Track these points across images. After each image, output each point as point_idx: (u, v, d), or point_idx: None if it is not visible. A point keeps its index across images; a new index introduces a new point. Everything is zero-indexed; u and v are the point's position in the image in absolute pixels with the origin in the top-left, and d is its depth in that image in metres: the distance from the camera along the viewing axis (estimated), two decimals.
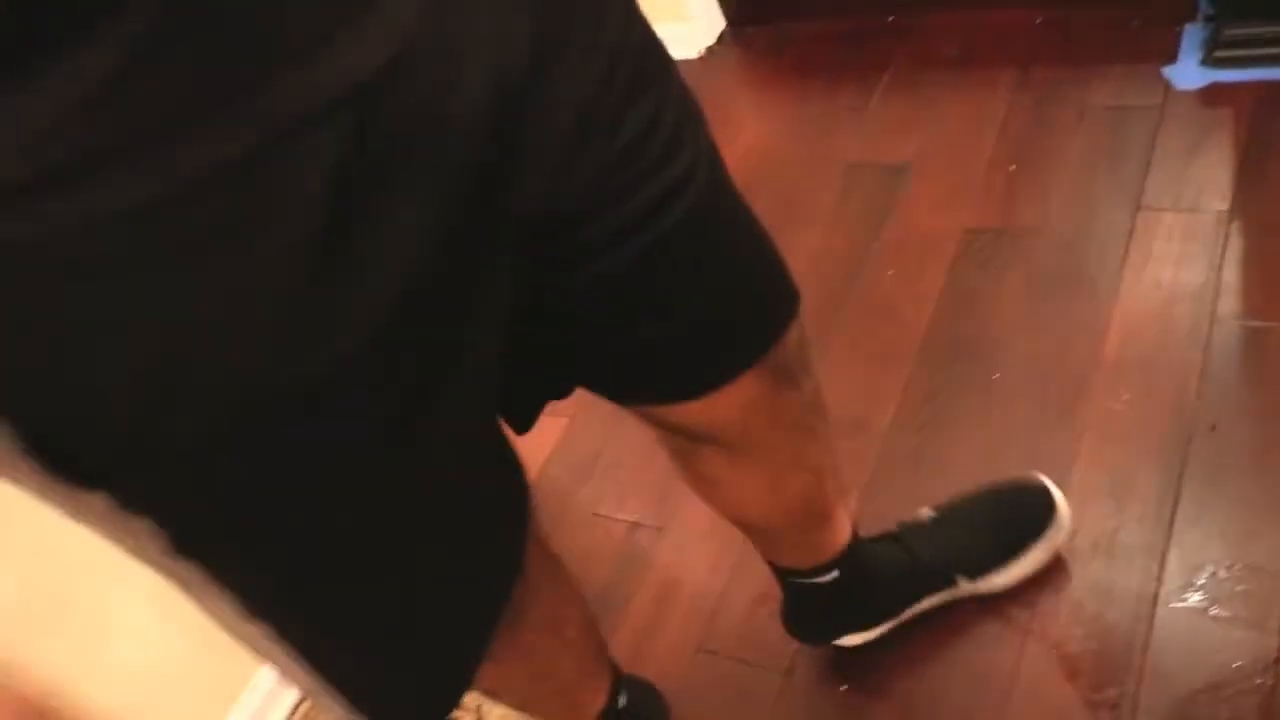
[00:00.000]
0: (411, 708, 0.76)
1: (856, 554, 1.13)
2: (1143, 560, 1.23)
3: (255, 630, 0.62)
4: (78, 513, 0.52)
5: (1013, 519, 1.23)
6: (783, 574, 1.15)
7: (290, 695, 1.45)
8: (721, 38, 2.21)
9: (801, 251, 1.70)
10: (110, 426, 0.49)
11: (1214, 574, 1.19)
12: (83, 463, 0.49)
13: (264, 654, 0.65)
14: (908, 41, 2.02)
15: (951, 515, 1.23)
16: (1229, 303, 1.42)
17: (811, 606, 1.19)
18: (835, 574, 1.13)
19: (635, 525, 1.50)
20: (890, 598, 1.21)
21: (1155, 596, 1.20)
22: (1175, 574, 1.21)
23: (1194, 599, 1.18)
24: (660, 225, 0.68)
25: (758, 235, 0.83)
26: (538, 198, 0.61)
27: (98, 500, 0.51)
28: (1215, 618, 1.16)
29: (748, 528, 1.08)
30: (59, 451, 0.48)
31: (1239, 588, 1.18)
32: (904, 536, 1.20)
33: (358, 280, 0.50)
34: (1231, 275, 1.44)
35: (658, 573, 1.44)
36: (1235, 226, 1.49)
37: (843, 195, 1.77)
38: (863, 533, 1.18)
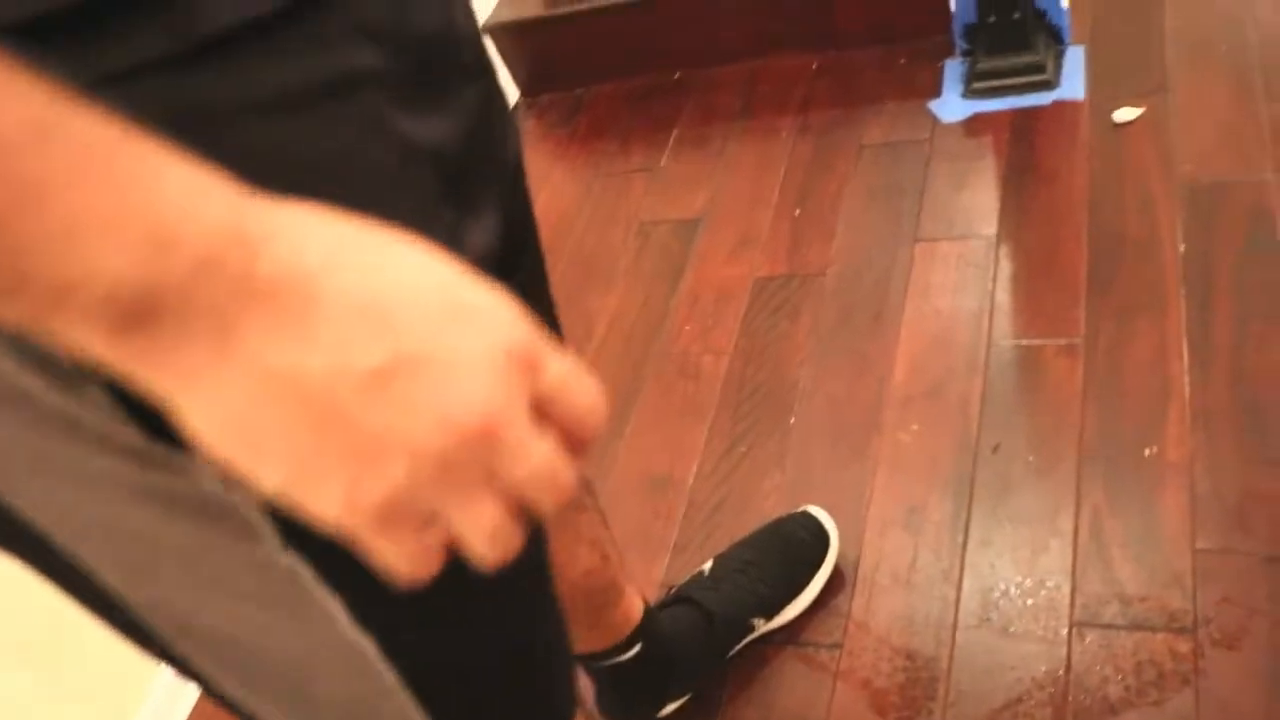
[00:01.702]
0: None
1: (654, 623, 1.14)
2: (940, 588, 1.26)
3: (367, 645, 0.53)
4: (172, 499, 0.45)
5: (790, 552, 1.27)
6: (588, 662, 1.15)
7: None
8: (516, 108, 2.23)
9: (601, 313, 1.71)
10: None
11: (1006, 592, 1.23)
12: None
13: (374, 685, 0.56)
14: (694, 96, 2.07)
15: (732, 563, 1.26)
16: (1003, 324, 1.47)
17: (623, 687, 1.18)
18: (638, 647, 1.13)
19: None
20: (696, 658, 1.21)
21: (954, 622, 1.23)
22: (971, 597, 1.24)
23: (990, 619, 1.22)
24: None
25: (556, 313, 0.83)
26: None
27: (198, 470, 0.43)
28: (1011, 634, 1.20)
29: None
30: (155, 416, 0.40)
31: (1029, 602, 1.21)
32: (693, 595, 1.21)
33: None
34: (1004, 297, 1.50)
35: None
36: (1003, 250, 1.56)
37: (638, 254, 1.79)
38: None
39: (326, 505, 0.36)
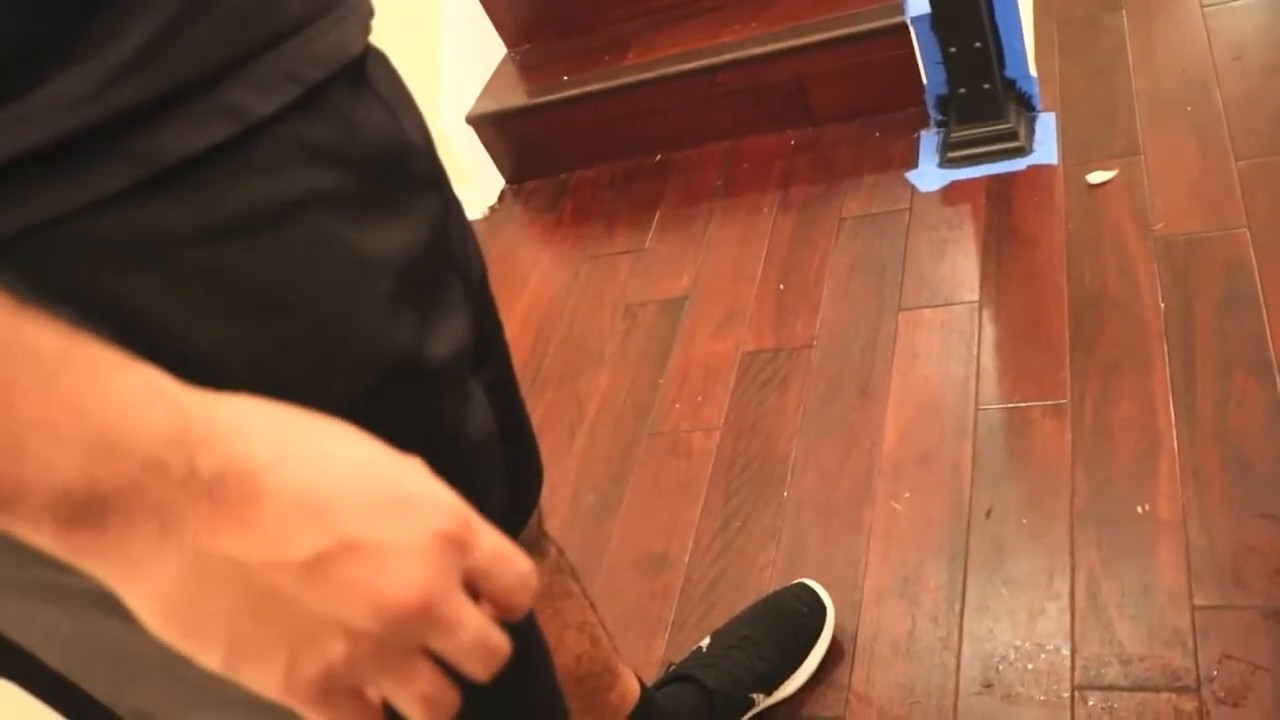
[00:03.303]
0: None
1: (652, 703, 1.13)
2: (940, 656, 1.25)
3: None
4: None
5: (788, 626, 1.26)
6: None
7: None
8: (502, 196, 2.26)
9: (591, 395, 1.72)
10: None
11: (1005, 657, 1.22)
12: None
13: None
14: (676, 177, 2.10)
15: (730, 639, 1.25)
16: (989, 388, 1.48)
17: None
18: None
19: None
20: None
21: (956, 690, 1.21)
22: (971, 663, 1.23)
23: (991, 686, 1.20)
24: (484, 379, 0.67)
25: (525, 408, 0.84)
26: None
27: None
28: (1013, 700, 1.18)
29: None
30: None
31: (1029, 666, 1.20)
32: (691, 673, 1.20)
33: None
34: (989, 362, 1.51)
35: None
36: (987, 314, 1.57)
37: (626, 335, 1.81)
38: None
39: (267, 681, 0.38)
